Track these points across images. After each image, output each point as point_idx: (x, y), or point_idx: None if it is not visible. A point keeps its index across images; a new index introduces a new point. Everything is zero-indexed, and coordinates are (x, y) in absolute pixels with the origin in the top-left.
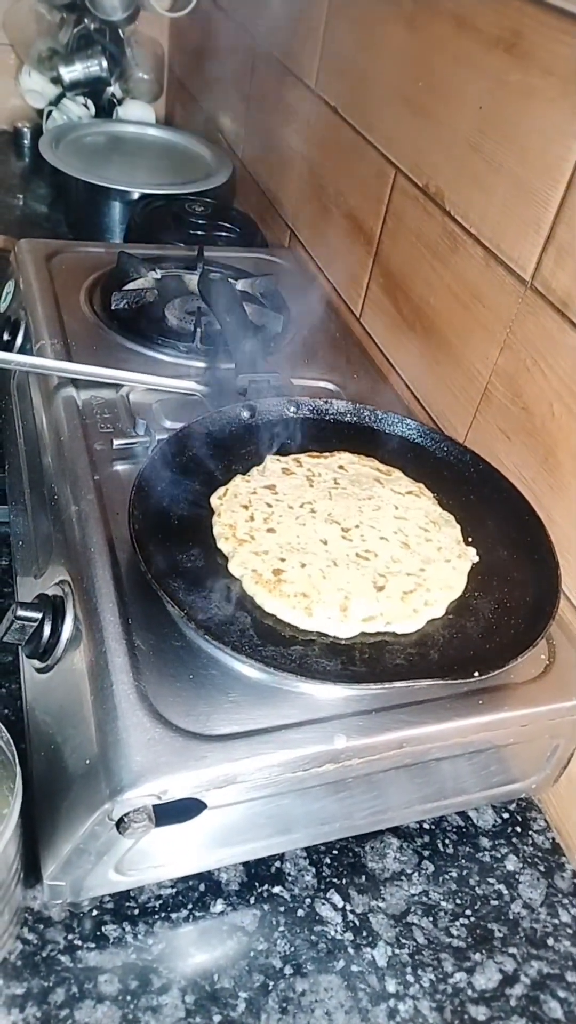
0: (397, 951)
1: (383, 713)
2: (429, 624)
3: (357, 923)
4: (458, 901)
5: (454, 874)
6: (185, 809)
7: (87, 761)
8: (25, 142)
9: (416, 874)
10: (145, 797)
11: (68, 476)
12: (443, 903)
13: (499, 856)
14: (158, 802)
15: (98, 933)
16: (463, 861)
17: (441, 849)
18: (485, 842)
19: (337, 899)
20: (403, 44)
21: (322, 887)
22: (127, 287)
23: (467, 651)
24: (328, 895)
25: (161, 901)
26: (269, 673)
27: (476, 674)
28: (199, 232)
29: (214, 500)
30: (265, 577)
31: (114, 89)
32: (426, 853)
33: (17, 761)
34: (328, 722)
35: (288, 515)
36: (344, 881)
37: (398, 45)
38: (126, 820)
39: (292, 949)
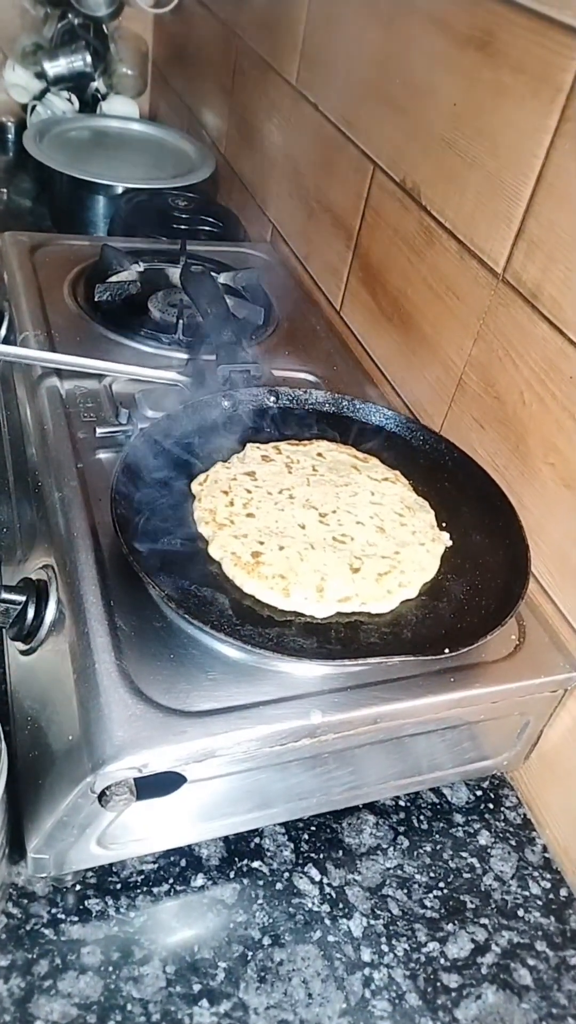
0: (372, 922)
1: (358, 690)
2: (403, 605)
3: (334, 895)
4: (432, 874)
5: (428, 848)
6: (166, 783)
7: (70, 737)
8: (9, 136)
9: (392, 849)
10: (126, 770)
11: (52, 464)
12: (417, 876)
13: (472, 831)
14: (139, 775)
15: (81, 907)
16: (437, 836)
17: (416, 825)
18: (459, 818)
19: (315, 873)
20: (381, 43)
21: (300, 862)
22: (110, 279)
23: (439, 630)
24: (306, 869)
25: (143, 876)
26: (247, 651)
27: (447, 651)
28: (182, 226)
29: (195, 486)
30: (244, 559)
31: (98, 84)
32: (401, 829)
33: (2, 738)
34: (304, 699)
35: (267, 500)
36: (321, 856)
37: (376, 44)
38: (108, 793)
39: (270, 921)
